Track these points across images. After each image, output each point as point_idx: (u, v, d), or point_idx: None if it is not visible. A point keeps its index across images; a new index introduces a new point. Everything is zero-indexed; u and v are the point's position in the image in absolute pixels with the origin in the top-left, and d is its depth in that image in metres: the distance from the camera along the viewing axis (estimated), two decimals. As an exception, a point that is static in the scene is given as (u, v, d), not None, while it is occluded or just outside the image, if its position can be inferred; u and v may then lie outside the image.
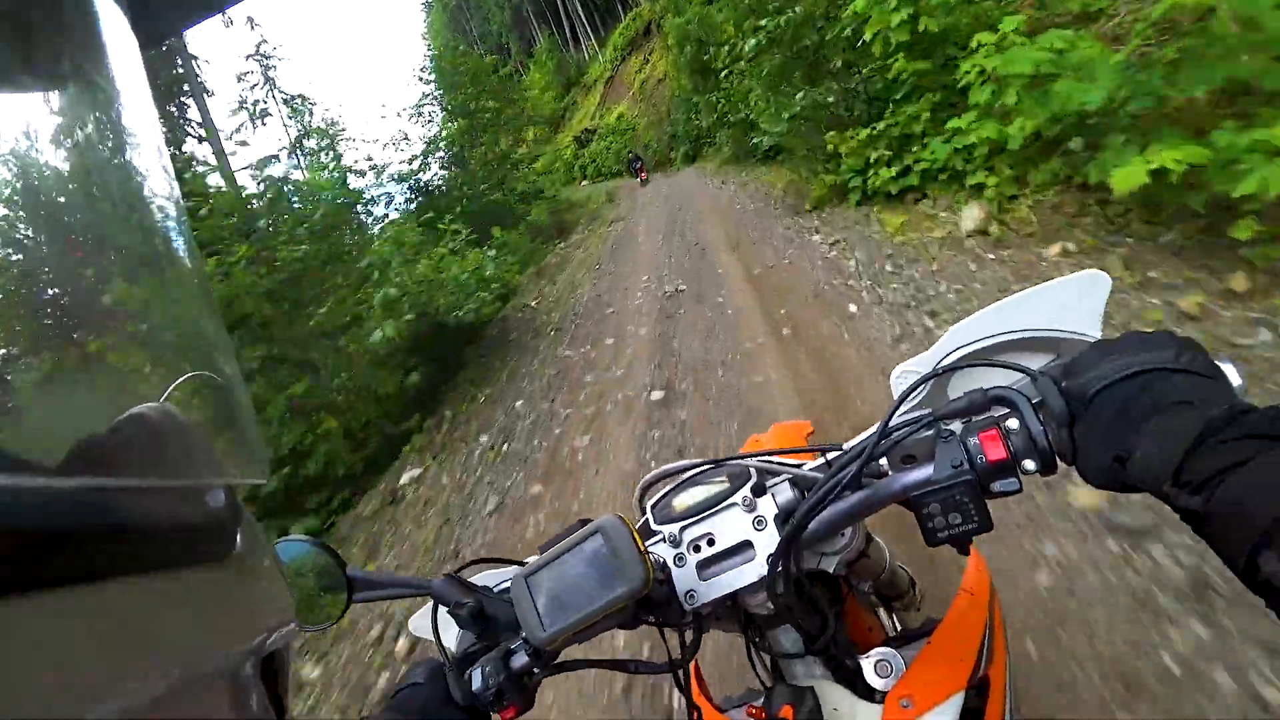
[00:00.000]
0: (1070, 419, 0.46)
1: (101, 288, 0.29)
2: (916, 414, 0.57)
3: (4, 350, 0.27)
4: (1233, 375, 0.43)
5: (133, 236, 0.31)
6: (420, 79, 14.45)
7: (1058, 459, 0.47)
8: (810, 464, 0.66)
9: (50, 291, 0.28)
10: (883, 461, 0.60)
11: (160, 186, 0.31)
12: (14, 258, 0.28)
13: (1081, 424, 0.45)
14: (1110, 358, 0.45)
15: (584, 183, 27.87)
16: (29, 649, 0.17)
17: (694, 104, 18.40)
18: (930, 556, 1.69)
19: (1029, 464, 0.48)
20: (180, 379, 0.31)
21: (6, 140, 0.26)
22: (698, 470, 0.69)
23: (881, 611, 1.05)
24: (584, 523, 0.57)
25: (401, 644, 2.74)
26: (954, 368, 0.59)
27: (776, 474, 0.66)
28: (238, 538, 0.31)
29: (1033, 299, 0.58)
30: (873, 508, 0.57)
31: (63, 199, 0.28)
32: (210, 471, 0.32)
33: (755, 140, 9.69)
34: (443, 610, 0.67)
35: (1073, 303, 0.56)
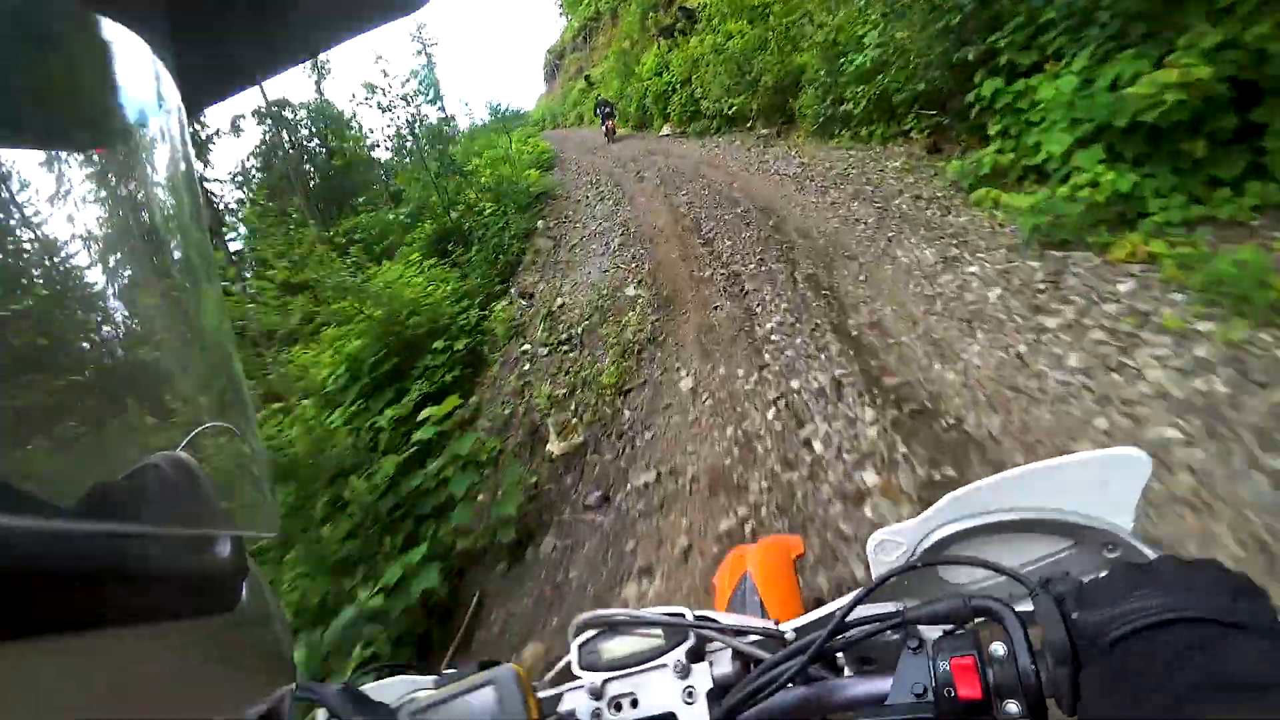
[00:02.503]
0: (1075, 661, 0.36)
1: (129, 339, 0.30)
2: (885, 608, 0.49)
3: (27, 392, 0.27)
4: None
5: (166, 291, 0.32)
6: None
7: (1049, 703, 0.38)
8: (761, 630, 0.56)
9: (77, 340, 0.29)
10: (840, 656, 0.52)
11: (196, 243, 0.32)
12: (45, 307, 0.28)
13: (1093, 673, 0.34)
14: (1140, 592, 0.35)
15: (664, 128, 13.24)
16: (37, 692, 0.17)
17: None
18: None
19: (1011, 707, 0.38)
20: (197, 429, 0.31)
21: (45, 194, 0.28)
22: (637, 622, 0.61)
23: None
24: (484, 666, 0.55)
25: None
26: (941, 561, 0.49)
27: (722, 635, 0.57)
28: (244, 591, 0.31)
29: (1053, 472, 0.49)
30: (815, 713, 0.48)
31: (98, 253, 0.29)
32: (221, 523, 0.32)
33: None
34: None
35: (1103, 483, 0.47)
